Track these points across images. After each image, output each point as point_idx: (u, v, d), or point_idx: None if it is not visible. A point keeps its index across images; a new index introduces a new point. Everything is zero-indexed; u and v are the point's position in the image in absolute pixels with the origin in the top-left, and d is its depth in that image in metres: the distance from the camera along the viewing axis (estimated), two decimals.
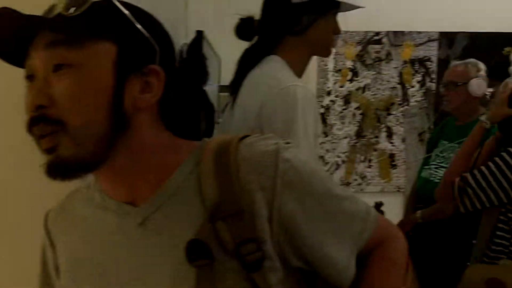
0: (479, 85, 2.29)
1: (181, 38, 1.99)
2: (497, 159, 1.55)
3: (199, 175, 0.79)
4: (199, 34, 1.79)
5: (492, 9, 4.87)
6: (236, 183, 0.75)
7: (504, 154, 1.54)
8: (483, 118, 1.65)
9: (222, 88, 2.56)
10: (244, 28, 1.47)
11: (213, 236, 0.73)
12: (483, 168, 1.57)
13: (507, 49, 4.84)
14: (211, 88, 2.28)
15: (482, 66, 2.37)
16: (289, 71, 1.39)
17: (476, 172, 1.58)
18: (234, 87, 1.46)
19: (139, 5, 0.84)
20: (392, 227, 0.92)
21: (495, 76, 1.72)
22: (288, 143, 0.82)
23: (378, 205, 2.22)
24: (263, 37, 1.44)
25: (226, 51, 2.41)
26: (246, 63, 1.44)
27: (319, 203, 0.80)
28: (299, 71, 1.44)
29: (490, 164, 1.56)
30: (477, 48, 4.81)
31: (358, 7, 1.45)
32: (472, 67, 2.37)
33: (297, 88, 1.28)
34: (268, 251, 0.76)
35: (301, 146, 1.23)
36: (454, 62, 2.47)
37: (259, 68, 1.39)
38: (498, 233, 1.57)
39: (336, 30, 1.46)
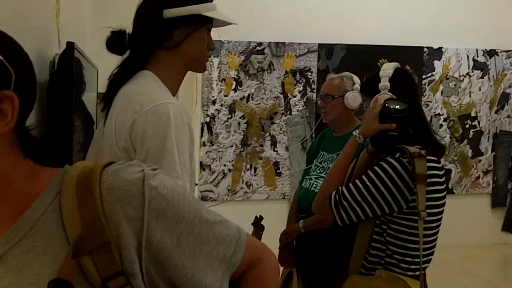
0: (354, 98, 2.39)
1: (54, 49, 1.88)
2: (370, 172, 1.62)
3: (61, 206, 0.73)
4: (71, 45, 1.69)
5: (367, 24, 5.24)
6: (100, 214, 0.71)
7: (376, 167, 1.62)
8: (355, 132, 1.72)
9: (100, 96, 2.56)
10: (115, 41, 1.40)
11: (78, 272, 0.68)
12: (357, 181, 1.63)
13: (380, 63, 5.21)
14: (90, 96, 2.21)
15: (356, 79, 2.48)
16: (162, 87, 1.34)
17: (351, 185, 1.63)
18: (105, 103, 1.38)
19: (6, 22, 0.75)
20: (263, 248, 0.93)
21: (366, 92, 1.81)
22: (154, 169, 0.78)
23: (259, 220, 2.24)
24: (135, 51, 1.38)
25: (105, 62, 2.41)
26: (119, 78, 1.37)
27: (189, 230, 0.78)
28: (174, 86, 1.40)
29: (364, 177, 1.62)
30: (354, 60, 5.13)
31: (231, 23, 1.45)
32: (347, 80, 2.45)
33: (169, 106, 1.24)
34: (138, 283, 0.72)
35: (175, 165, 1.21)
36: (330, 75, 2.56)
37: (130, 84, 1.34)
38: (374, 244, 1.65)
39: (210, 46, 1.43)
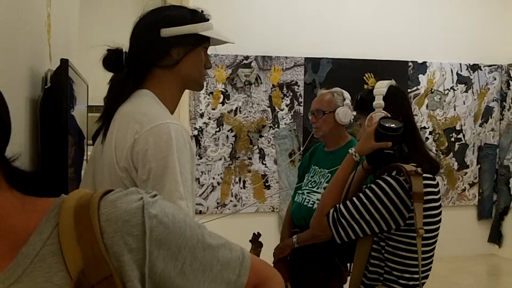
0: (345, 114, 2.43)
1: (46, 65, 1.87)
2: (367, 190, 1.64)
3: (60, 239, 0.71)
4: (65, 62, 1.68)
5: (352, 38, 5.30)
6: (101, 247, 0.69)
7: (373, 185, 1.64)
8: (351, 150, 1.73)
9: (90, 109, 2.67)
10: (112, 59, 1.40)
11: None
12: (354, 199, 1.64)
13: (370, 81, 5.27)
14: (80, 110, 2.22)
15: (347, 95, 2.52)
16: (161, 106, 1.34)
17: (348, 203, 1.65)
18: (104, 121, 1.38)
19: None
20: (267, 268, 0.93)
21: (360, 109, 1.83)
22: (154, 195, 0.77)
23: (257, 236, 2.23)
24: (132, 69, 1.37)
25: (93, 77, 2.45)
26: (116, 97, 1.37)
27: (193, 256, 0.77)
28: (172, 105, 1.40)
29: (361, 195, 1.64)
30: (340, 73, 5.17)
31: (228, 42, 1.46)
32: (338, 96, 2.48)
33: (170, 126, 1.24)
34: None
35: (177, 185, 1.20)
36: (321, 91, 2.58)
37: (129, 103, 1.34)
38: (372, 261, 1.66)
39: (207, 64, 1.44)
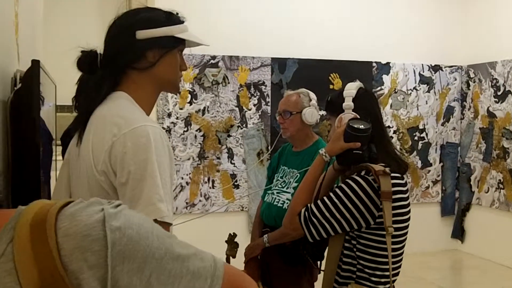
0: (311, 114, 2.46)
1: (14, 65, 1.83)
2: (337, 189, 1.67)
3: (14, 257, 0.66)
4: (36, 64, 1.65)
5: (318, 39, 5.36)
6: (58, 265, 0.65)
7: (343, 185, 1.67)
8: (322, 151, 1.77)
9: (58, 108, 2.67)
10: (86, 61, 1.38)
11: None
12: (325, 198, 1.68)
13: (335, 81, 5.35)
14: (49, 108, 2.19)
15: (313, 95, 2.56)
16: (137, 108, 1.33)
17: (319, 202, 1.68)
18: (79, 125, 1.36)
19: None
20: (241, 276, 0.89)
21: (330, 111, 1.86)
22: (117, 205, 0.72)
23: (232, 237, 2.23)
24: (107, 72, 1.36)
25: (60, 76, 2.42)
26: (92, 99, 1.35)
27: (160, 268, 0.73)
28: (148, 108, 1.39)
29: (332, 194, 1.67)
30: (306, 74, 5.23)
31: (202, 44, 1.47)
32: (304, 96, 2.51)
33: (148, 128, 1.23)
34: None
35: (157, 188, 1.20)
36: (288, 92, 2.61)
37: (106, 106, 1.32)
38: (345, 259, 1.70)
39: (183, 66, 1.44)
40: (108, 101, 1.34)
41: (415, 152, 5.77)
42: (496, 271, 5.23)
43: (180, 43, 1.42)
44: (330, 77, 5.37)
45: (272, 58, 5.20)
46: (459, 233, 5.96)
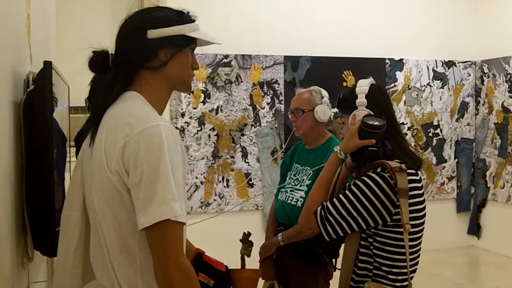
0: (324, 112, 2.45)
1: (27, 67, 1.85)
2: (353, 187, 1.66)
3: None
4: (48, 65, 1.66)
5: (330, 36, 5.35)
6: None
7: (359, 182, 1.66)
8: (336, 149, 1.76)
9: (71, 110, 2.66)
10: (98, 62, 1.38)
11: None
12: (341, 196, 1.67)
13: (348, 79, 5.33)
14: (62, 110, 2.20)
15: (325, 93, 2.54)
16: (150, 108, 1.32)
17: (335, 200, 1.67)
18: (92, 125, 1.36)
19: None
20: None
21: (343, 108, 1.85)
22: None
23: (247, 236, 2.21)
24: (119, 72, 1.35)
25: (73, 77, 2.43)
26: (104, 99, 1.35)
27: None
28: (160, 107, 1.39)
29: (348, 192, 1.66)
30: (319, 71, 5.22)
31: (214, 43, 1.47)
32: (316, 94, 2.50)
33: (161, 128, 1.23)
34: None
35: (171, 187, 1.20)
36: (299, 90, 2.60)
37: (118, 106, 1.32)
38: (361, 257, 1.68)
39: (194, 65, 1.43)
40: (120, 101, 1.34)
41: (429, 149, 5.72)
42: None
43: (191, 42, 1.41)
44: (343, 75, 5.35)
45: (285, 56, 5.20)
46: (475, 229, 5.90)
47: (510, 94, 5.43)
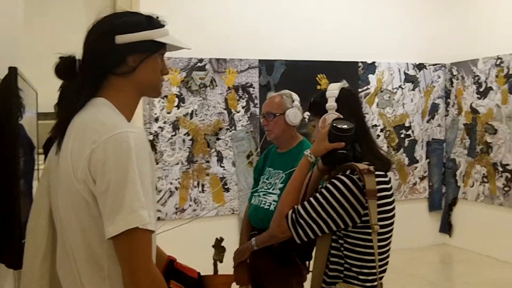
0: (295, 115, 2.48)
1: None
2: (323, 190, 1.68)
3: None
4: (13, 71, 1.63)
5: (305, 40, 5.40)
6: None
7: (329, 185, 1.69)
8: (307, 152, 1.79)
9: (40, 116, 2.57)
10: (65, 68, 1.36)
11: None
12: (312, 199, 1.69)
13: (323, 82, 5.39)
14: (30, 116, 2.16)
15: (295, 96, 2.57)
16: (118, 114, 1.31)
17: (306, 203, 1.69)
18: (58, 132, 1.33)
19: None
20: None
21: (314, 112, 1.88)
22: None
23: (219, 241, 2.21)
24: (87, 78, 1.33)
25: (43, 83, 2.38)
26: (71, 106, 1.33)
27: None
28: (129, 113, 1.37)
29: (318, 195, 1.69)
30: (294, 75, 5.27)
31: (184, 48, 1.44)
32: (287, 98, 2.53)
33: (129, 134, 1.21)
34: None
35: (139, 195, 1.19)
36: (271, 94, 2.64)
37: (85, 112, 1.30)
38: (332, 259, 1.71)
39: (164, 71, 1.42)
40: (87, 108, 1.32)
41: (402, 150, 5.83)
42: (484, 263, 5.30)
43: (161, 47, 1.40)
44: (317, 78, 5.41)
45: (260, 60, 5.23)
46: (446, 227, 6.02)
47: (478, 96, 5.57)
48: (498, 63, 5.30)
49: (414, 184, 5.91)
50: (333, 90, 1.82)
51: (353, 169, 1.67)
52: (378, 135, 5.69)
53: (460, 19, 5.86)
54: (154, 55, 1.39)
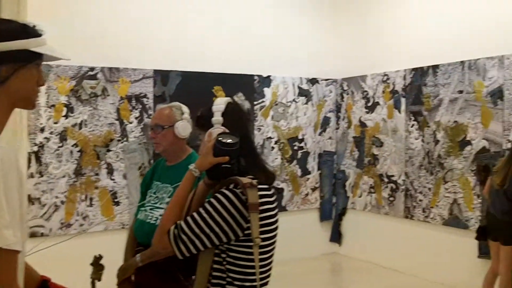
0: (184, 128, 2.45)
1: None
2: (206, 204, 1.68)
3: None
4: None
5: (201, 51, 5.39)
6: None
7: (212, 199, 1.68)
8: (191, 166, 1.77)
9: None
10: None
11: None
12: (194, 214, 1.68)
13: (219, 94, 5.40)
14: None
15: (185, 109, 2.55)
16: None
17: (188, 218, 1.68)
18: None
19: None
20: None
21: (200, 126, 1.88)
22: None
23: (98, 259, 2.11)
24: None
25: None
26: None
27: None
28: (0, 125, 1.30)
29: (201, 209, 1.68)
30: (190, 86, 5.24)
31: (62, 59, 1.40)
32: (176, 110, 2.49)
33: None
34: None
35: (3, 212, 1.12)
36: (159, 106, 2.60)
37: None
38: (215, 273, 1.70)
39: (40, 81, 1.36)
40: None
41: (295, 161, 6.01)
42: (373, 271, 5.59)
43: (36, 58, 1.34)
44: (213, 90, 5.42)
45: (155, 70, 5.13)
46: (336, 236, 6.29)
47: (366, 110, 5.91)
48: (384, 79, 5.67)
49: (306, 194, 6.11)
50: (219, 104, 1.83)
51: (237, 183, 1.67)
52: (273, 147, 5.82)
53: (351, 37, 6.20)
54: (29, 65, 1.32)
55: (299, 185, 6.04)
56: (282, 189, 5.87)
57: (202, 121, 1.87)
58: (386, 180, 5.64)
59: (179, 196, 1.76)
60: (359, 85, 6.01)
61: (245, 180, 1.66)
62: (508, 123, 4.41)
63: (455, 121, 4.87)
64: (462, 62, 4.79)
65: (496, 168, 3.98)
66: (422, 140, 5.21)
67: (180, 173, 2.38)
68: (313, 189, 6.16)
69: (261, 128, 5.76)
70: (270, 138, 5.81)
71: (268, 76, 5.80)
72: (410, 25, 5.43)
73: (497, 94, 4.50)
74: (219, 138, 1.73)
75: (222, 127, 1.79)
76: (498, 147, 4.49)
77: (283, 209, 5.78)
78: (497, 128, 4.49)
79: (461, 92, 4.81)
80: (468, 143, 4.74)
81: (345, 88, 6.21)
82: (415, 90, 5.28)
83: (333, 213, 6.33)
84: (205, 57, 5.41)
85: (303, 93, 6.06)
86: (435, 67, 5.06)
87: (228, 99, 1.88)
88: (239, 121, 1.85)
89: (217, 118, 1.80)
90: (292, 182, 5.96)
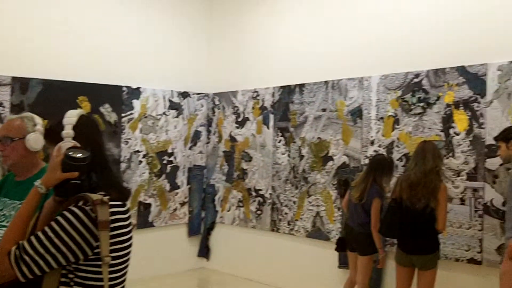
0: (36, 140, 2.30)
1: None
2: (52, 222, 1.58)
3: None
4: None
5: (64, 59, 5.12)
6: None
7: (58, 217, 1.59)
8: (37, 182, 1.66)
9: None
10: None
11: None
12: (39, 233, 1.57)
13: (83, 105, 5.14)
14: None
15: (38, 120, 2.39)
16: None
17: (32, 238, 1.57)
18: None
19: None
20: None
21: (49, 139, 1.78)
22: None
23: None
24: None
25: None
26: None
27: None
28: None
29: (46, 228, 1.57)
30: (52, 95, 4.92)
31: None
32: (28, 121, 2.34)
33: None
34: None
35: None
36: (9, 116, 2.42)
37: None
38: None
39: None
40: None
41: (164, 176, 5.93)
42: (239, 285, 5.67)
43: None
44: (78, 100, 5.17)
45: (13, 77, 4.76)
46: (204, 251, 6.30)
47: (237, 125, 6.04)
48: (254, 95, 5.84)
49: (175, 209, 6.05)
50: (71, 117, 1.75)
51: (86, 199, 1.60)
52: (141, 161, 5.69)
53: (223, 53, 6.31)
54: None
55: (167, 200, 5.96)
56: (149, 204, 5.75)
57: (51, 134, 1.78)
58: (254, 194, 5.79)
59: (21, 214, 1.64)
60: (230, 100, 6.13)
61: (95, 196, 1.60)
62: (366, 140, 4.79)
63: (319, 138, 5.17)
64: (326, 82, 5.11)
65: (354, 182, 4.29)
66: (288, 155, 5.45)
67: (30, 189, 2.24)
68: (182, 204, 6.12)
69: (129, 141, 5.61)
70: (138, 151, 5.67)
71: (138, 88, 5.69)
72: (279, 45, 5.68)
73: (357, 113, 4.87)
74: (69, 153, 1.64)
75: (73, 141, 1.71)
76: (357, 162, 4.85)
77: (150, 225, 5.67)
78: (356, 145, 4.86)
79: (324, 110, 5.13)
80: (330, 158, 5.06)
81: (217, 102, 6.30)
82: (283, 107, 5.53)
83: (201, 228, 6.34)
84: (69, 65, 5.16)
85: (174, 106, 6.03)
86: (301, 86, 5.34)
87: (80, 111, 1.81)
88: (91, 135, 1.78)
89: (68, 131, 1.71)
90: (159, 197, 5.87)
